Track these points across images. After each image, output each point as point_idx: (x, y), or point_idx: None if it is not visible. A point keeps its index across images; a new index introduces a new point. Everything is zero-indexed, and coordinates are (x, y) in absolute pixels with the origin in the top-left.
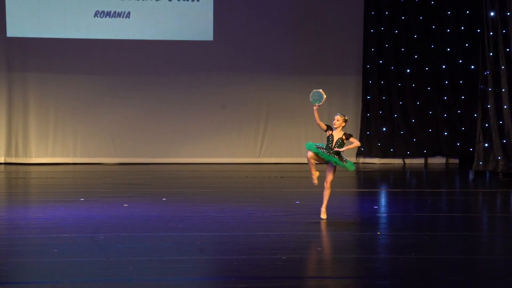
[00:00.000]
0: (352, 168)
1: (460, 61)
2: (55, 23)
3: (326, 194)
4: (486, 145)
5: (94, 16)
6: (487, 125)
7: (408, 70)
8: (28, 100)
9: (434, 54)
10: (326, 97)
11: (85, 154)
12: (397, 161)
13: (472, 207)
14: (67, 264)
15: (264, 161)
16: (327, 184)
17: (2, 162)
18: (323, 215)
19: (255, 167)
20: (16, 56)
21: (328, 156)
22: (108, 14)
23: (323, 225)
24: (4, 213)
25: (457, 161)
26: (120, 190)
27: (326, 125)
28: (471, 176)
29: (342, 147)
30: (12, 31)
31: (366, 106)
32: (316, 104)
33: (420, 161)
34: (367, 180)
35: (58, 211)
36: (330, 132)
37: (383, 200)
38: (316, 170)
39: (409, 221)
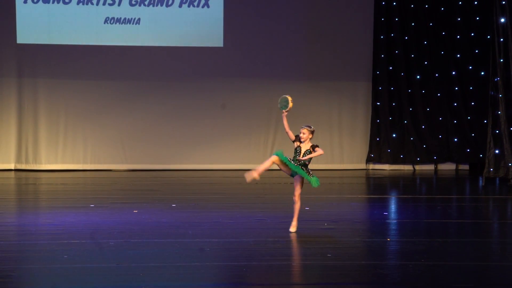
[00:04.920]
0: (317, 184)
1: (470, 67)
2: (65, 29)
3: (296, 207)
4: (497, 151)
5: (104, 23)
6: (497, 131)
7: (418, 76)
8: (38, 106)
9: (444, 60)
10: (292, 104)
11: (95, 160)
12: (407, 167)
13: (482, 213)
14: (77, 270)
15: (274, 167)
16: (296, 198)
17: (12, 168)
18: (292, 228)
19: (265, 173)
20: (26, 62)
21: (296, 167)
22: (118, 20)
23: (333, 231)
24: (14, 219)
25: (467, 167)
26: (130, 196)
27: (295, 135)
28: (481, 183)
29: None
30: (22, 37)
31: (376, 112)
32: (284, 111)
33: (430, 167)
34: (377, 186)
35: (68, 217)
36: (298, 143)
37: (393, 207)
38: (260, 177)
39: (419, 228)
